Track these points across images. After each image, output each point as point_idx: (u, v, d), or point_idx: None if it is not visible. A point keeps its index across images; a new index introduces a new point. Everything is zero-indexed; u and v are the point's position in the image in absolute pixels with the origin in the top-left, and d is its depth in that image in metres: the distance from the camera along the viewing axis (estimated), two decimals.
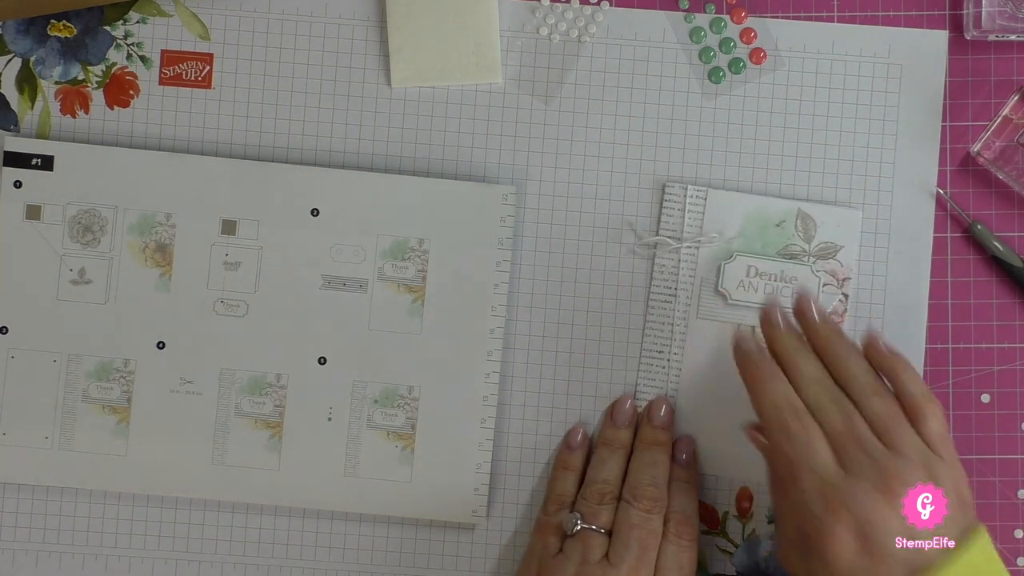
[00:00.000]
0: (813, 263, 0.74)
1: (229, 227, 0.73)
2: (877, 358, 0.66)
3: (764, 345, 0.67)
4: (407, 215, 0.73)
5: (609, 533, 0.69)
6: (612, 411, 0.74)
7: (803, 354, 0.66)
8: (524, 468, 0.75)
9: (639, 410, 0.74)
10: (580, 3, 0.76)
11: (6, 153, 0.73)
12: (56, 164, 0.73)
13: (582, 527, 0.69)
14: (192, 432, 0.73)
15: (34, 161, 0.73)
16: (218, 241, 0.73)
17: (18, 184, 0.73)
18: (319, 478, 0.73)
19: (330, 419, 0.73)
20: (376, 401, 0.73)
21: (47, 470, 0.74)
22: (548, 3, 0.76)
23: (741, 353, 0.67)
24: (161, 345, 0.73)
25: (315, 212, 0.73)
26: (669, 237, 0.75)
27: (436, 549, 0.75)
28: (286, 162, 0.75)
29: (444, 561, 0.75)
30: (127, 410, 0.73)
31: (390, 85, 0.76)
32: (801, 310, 0.67)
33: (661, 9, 0.76)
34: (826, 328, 0.67)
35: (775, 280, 0.74)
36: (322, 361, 0.73)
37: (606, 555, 0.68)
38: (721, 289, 0.74)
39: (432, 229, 0.73)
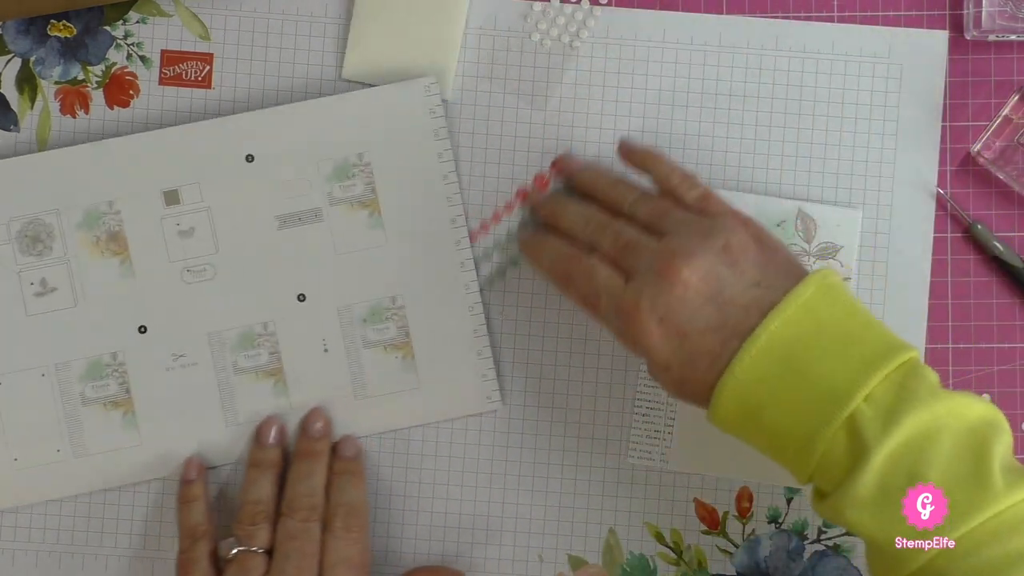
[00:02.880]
0: (813, 263, 0.74)
1: (172, 197, 0.73)
2: (634, 161, 0.70)
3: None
4: (340, 135, 0.73)
5: (271, 552, 0.69)
6: (258, 432, 0.73)
7: (564, 204, 0.71)
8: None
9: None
10: (576, 2, 0.76)
11: None
12: None
13: (238, 551, 0.69)
14: (199, 402, 0.73)
15: None
16: (166, 214, 0.73)
17: None
18: (332, 410, 0.74)
19: (326, 350, 0.73)
20: (364, 320, 0.73)
21: (68, 481, 0.74)
22: (540, 8, 0.76)
23: (523, 247, 0.72)
24: (143, 329, 0.73)
25: (250, 158, 0.73)
26: None
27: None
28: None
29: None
30: (129, 400, 0.73)
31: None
32: (561, 168, 0.73)
33: (661, 9, 0.76)
34: (588, 172, 0.72)
35: None
36: (301, 298, 0.73)
37: (267, 573, 0.68)
38: None
39: (368, 141, 0.73)
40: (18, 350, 0.73)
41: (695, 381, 0.61)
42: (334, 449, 0.73)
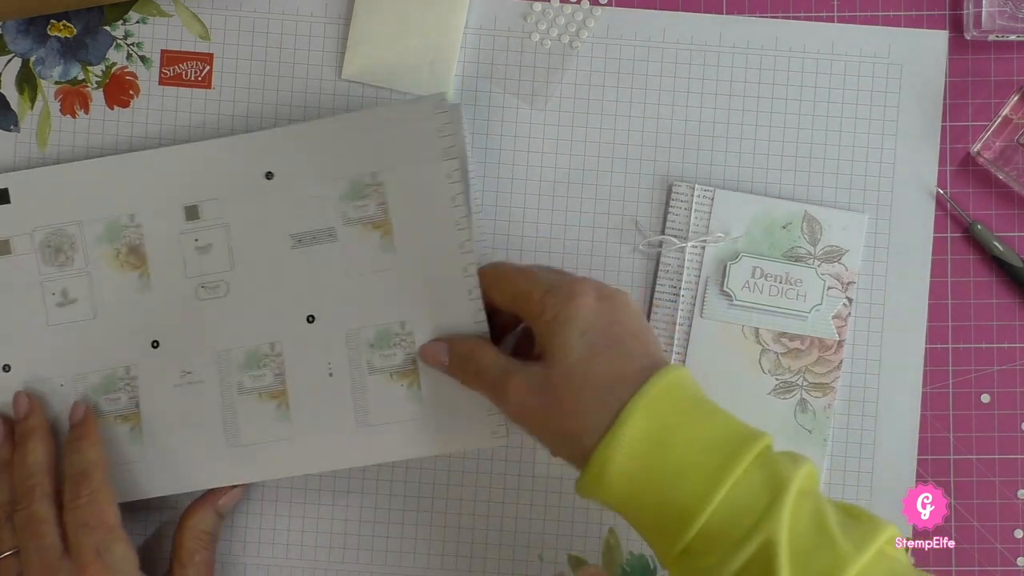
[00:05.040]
0: (818, 266, 0.74)
1: (192, 212, 0.72)
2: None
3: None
4: (355, 152, 0.72)
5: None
6: None
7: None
8: None
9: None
10: (576, 2, 0.76)
11: None
12: (12, 195, 0.73)
13: None
14: (202, 421, 0.72)
15: None
16: (185, 229, 0.72)
17: None
18: (333, 437, 0.72)
19: (331, 374, 0.72)
20: (372, 345, 0.72)
21: None
22: (540, 8, 0.76)
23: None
24: (156, 344, 0.72)
25: (270, 175, 0.72)
26: (674, 236, 0.75)
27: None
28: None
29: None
30: (137, 415, 0.72)
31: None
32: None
33: (661, 9, 0.76)
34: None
35: (780, 282, 0.74)
36: (311, 319, 0.72)
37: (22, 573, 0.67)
38: (726, 289, 0.74)
39: (380, 160, 0.72)
40: (39, 359, 0.73)
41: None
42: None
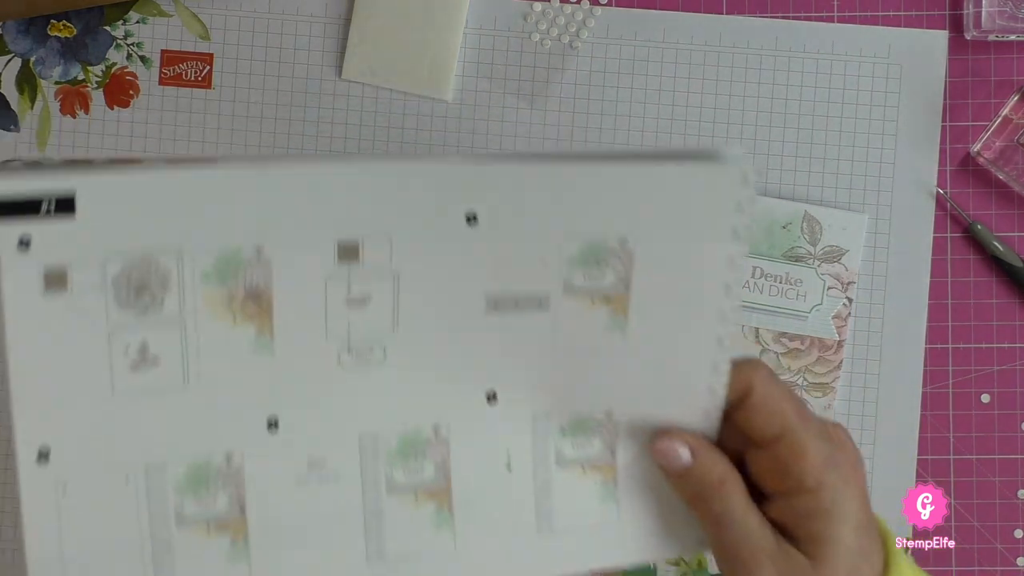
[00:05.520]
0: (818, 266, 0.74)
1: (349, 251, 0.52)
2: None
3: None
4: (601, 209, 0.53)
5: None
6: None
7: None
8: None
9: None
10: (576, 2, 0.76)
11: None
12: (79, 204, 0.47)
13: None
14: (335, 529, 0.54)
15: (44, 207, 0.46)
16: (335, 273, 0.51)
17: (24, 243, 0.47)
18: (506, 546, 0.56)
19: (509, 468, 0.56)
20: (564, 432, 0.56)
21: None
22: (540, 8, 0.76)
23: None
24: (274, 424, 0.52)
25: (472, 219, 0.52)
26: None
27: None
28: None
29: None
30: (242, 522, 0.52)
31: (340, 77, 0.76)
32: None
33: (661, 9, 0.76)
34: None
35: (780, 282, 0.74)
36: (491, 398, 0.55)
37: None
38: None
39: (637, 226, 0.53)
40: (94, 442, 0.49)
41: None
42: None
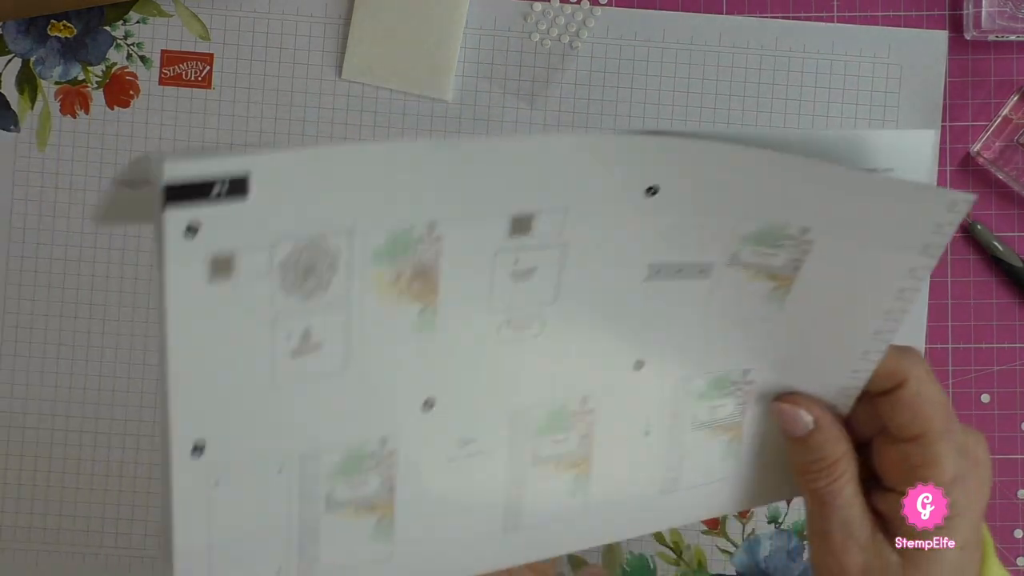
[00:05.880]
0: None
1: (522, 225, 0.49)
2: None
3: None
4: (791, 197, 0.50)
5: None
6: None
7: None
8: None
9: None
10: (576, 2, 0.76)
11: (169, 188, 0.40)
12: (253, 184, 0.43)
13: None
14: (478, 502, 0.53)
15: (216, 189, 0.42)
16: (505, 246, 0.49)
17: (192, 230, 0.42)
18: (630, 506, 0.55)
19: (647, 433, 0.54)
20: (701, 395, 0.55)
21: None
22: (540, 8, 0.76)
23: None
24: (429, 404, 0.50)
25: (652, 190, 0.49)
26: None
27: None
28: None
29: None
30: (390, 502, 0.51)
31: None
32: None
33: (661, 9, 0.76)
34: None
35: None
36: (639, 366, 0.53)
37: None
38: None
39: (824, 220, 0.51)
40: (251, 435, 0.47)
41: None
42: None
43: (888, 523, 0.51)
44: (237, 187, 0.42)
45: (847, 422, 0.53)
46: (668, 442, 0.54)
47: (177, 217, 0.41)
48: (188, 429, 0.45)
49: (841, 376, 0.53)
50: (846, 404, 0.53)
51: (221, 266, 0.43)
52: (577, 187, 0.48)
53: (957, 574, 0.51)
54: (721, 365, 0.54)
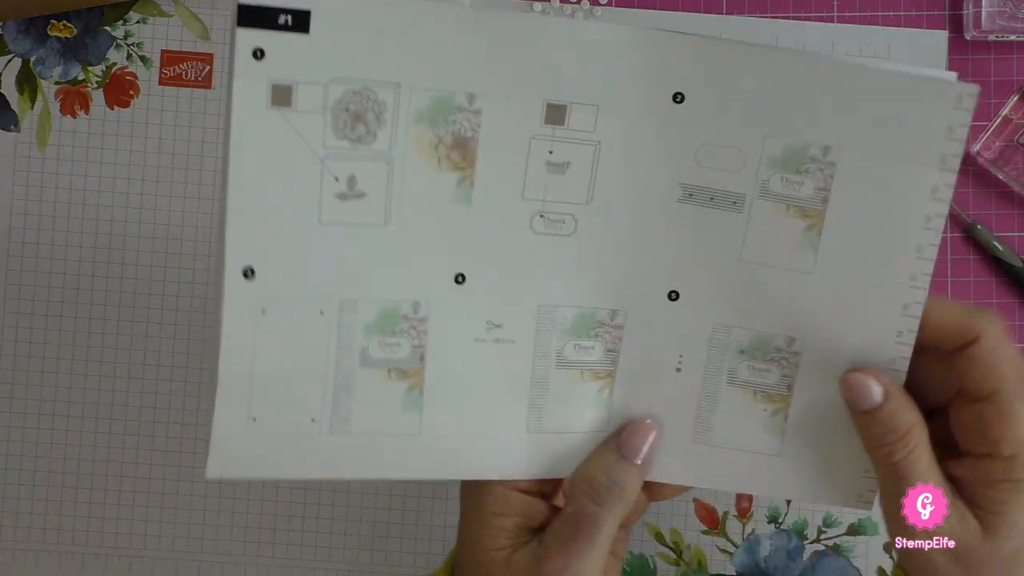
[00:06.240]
0: None
1: (557, 114, 0.52)
2: None
3: None
4: (809, 113, 0.52)
5: None
6: None
7: None
8: None
9: None
10: (576, 2, 0.76)
11: (241, 7, 0.47)
12: (314, 22, 0.48)
13: None
14: (503, 393, 0.55)
15: (282, 19, 0.48)
16: (540, 134, 0.52)
17: (259, 54, 0.48)
18: (662, 443, 0.56)
19: (679, 369, 0.55)
20: (742, 352, 0.55)
21: (315, 460, 0.53)
22: (539, 8, 0.76)
23: None
24: (460, 279, 0.53)
25: (679, 97, 0.52)
26: None
27: None
28: None
29: None
30: (420, 372, 0.53)
31: None
32: None
33: (661, 9, 0.76)
34: None
35: None
36: (673, 296, 0.54)
37: None
38: None
39: (843, 134, 0.52)
40: (297, 269, 0.51)
41: None
42: None
43: (966, 490, 0.51)
44: (300, 21, 0.47)
45: (921, 390, 0.52)
46: (701, 386, 0.55)
47: (247, 38, 0.47)
48: (241, 252, 0.49)
49: (887, 344, 0.53)
50: (900, 374, 0.53)
51: (281, 94, 0.48)
52: (606, 84, 0.51)
53: None
54: (762, 323, 0.54)
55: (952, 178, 0.51)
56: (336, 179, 0.50)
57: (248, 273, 0.50)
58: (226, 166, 0.48)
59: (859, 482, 0.55)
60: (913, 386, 0.52)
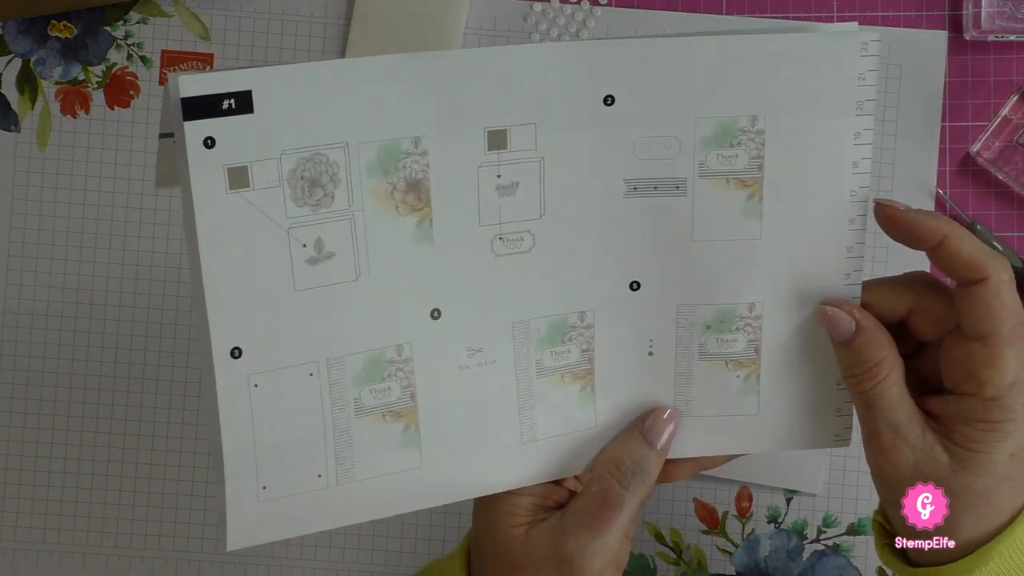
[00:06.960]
0: None
1: (498, 139, 0.54)
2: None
3: None
4: (731, 87, 0.54)
5: None
6: None
7: None
8: None
9: None
10: (576, 2, 0.76)
11: (185, 100, 0.48)
12: (256, 100, 0.49)
13: None
14: (494, 412, 0.57)
15: (226, 104, 0.49)
16: (485, 161, 0.54)
17: (210, 143, 0.49)
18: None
19: (651, 354, 0.58)
20: (709, 326, 0.57)
21: (327, 513, 0.55)
22: (540, 8, 0.76)
23: None
24: (436, 314, 0.54)
25: (609, 100, 0.54)
26: None
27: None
28: None
29: None
30: (413, 410, 0.55)
31: None
32: None
33: (661, 9, 0.76)
34: None
35: None
36: (635, 286, 0.57)
37: None
38: None
39: (766, 102, 0.54)
40: (281, 340, 0.52)
41: None
42: None
43: (944, 425, 0.52)
44: (243, 102, 0.48)
45: (920, 320, 0.54)
46: (674, 366, 0.57)
47: (196, 130, 0.48)
48: (225, 334, 0.50)
49: (838, 287, 0.56)
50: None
51: (237, 176, 0.49)
52: (538, 98, 0.53)
53: (1004, 480, 0.51)
54: (723, 296, 0.56)
55: (870, 121, 0.54)
56: (304, 245, 0.51)
57: (235, 353, 0.51)
58: (194, 254, 0.49)
59: (833, 422, 0.57)
60: (909, 318, 0.54)
